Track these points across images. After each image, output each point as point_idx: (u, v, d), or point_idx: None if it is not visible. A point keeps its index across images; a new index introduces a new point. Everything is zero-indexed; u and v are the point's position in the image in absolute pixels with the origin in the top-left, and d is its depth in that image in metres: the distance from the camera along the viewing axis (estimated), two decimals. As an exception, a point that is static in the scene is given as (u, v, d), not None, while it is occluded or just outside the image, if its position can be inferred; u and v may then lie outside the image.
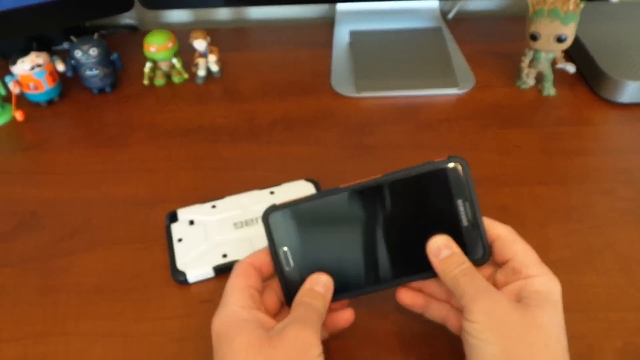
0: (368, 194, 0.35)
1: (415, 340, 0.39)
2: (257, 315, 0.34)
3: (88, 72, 0.62)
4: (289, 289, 0.36)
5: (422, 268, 0.35)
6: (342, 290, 0.36)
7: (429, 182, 0.35)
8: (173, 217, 0.48)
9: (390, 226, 0.35)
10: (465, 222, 0.35)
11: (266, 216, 0.36)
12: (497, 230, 0.35)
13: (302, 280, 0.36)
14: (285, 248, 0.36)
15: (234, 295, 0.35)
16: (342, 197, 0.35)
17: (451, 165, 0.34)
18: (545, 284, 0.33)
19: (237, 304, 0.34)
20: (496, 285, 0.35)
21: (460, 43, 0.71)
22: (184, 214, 0.48)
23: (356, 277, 0.36)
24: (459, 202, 0.34)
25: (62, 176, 0.54)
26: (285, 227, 0.36)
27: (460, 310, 0.34)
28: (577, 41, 0.63)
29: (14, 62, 0.59)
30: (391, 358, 0.38)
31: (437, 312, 0.37)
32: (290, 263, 0.36)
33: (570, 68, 0.60)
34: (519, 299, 0.33)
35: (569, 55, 0.66)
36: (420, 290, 0.38)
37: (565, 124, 0.58)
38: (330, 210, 0.36)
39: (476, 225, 0.35)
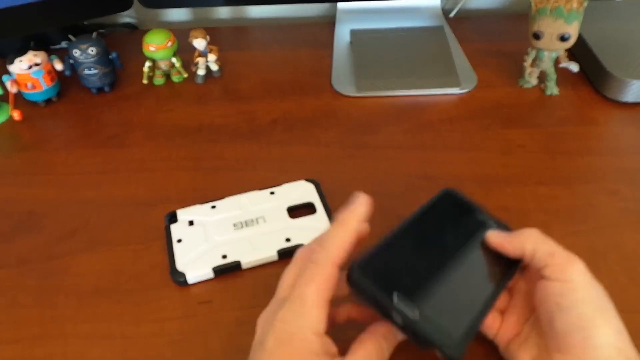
0: (422, 226, 0.38)
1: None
2: (327, 346, 0.31)
3: (87, 71, 0.62)
4: (424, 338, 0.31)
5: (497, 276, 0.36)
6: (471, 327, 0.33)
7: (449, 209, 0.39)
8: (172, 218, 0.47)
9: (456, 249, 0.37)
10: (494, 225, 0.39)
11: (357, 271, 0.32)
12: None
13: (434, 324, 0.31)
14: (395, 297, 0.31)
15: (313, 313, 0.30)
16: (407, 232, 0.36)
17: (447, 191, 0.41)
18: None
19: (314, 329, 0.30)
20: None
21: (462, 42, 0.71)
22: (183, 214, 0.47)
23: (472, 307, 0.34)
24: (476, 213, 0.39)
25: (60, 176, 0.54)
26: (385, 275, 0.32)
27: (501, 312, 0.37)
28: (580, 40, 0.63)
29: (12, 61, 0.59)
30: (392, 358, 0.38)
31: None
32: (415, 312, 0.31)
33: (574, 67, 0.60)
34: None
35: (572, 54, 0.65)
36: None
37: (568, 123, 0.58)
38: (405, 246, 0.36)
39: (501, 225, 0.39)
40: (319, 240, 0.34)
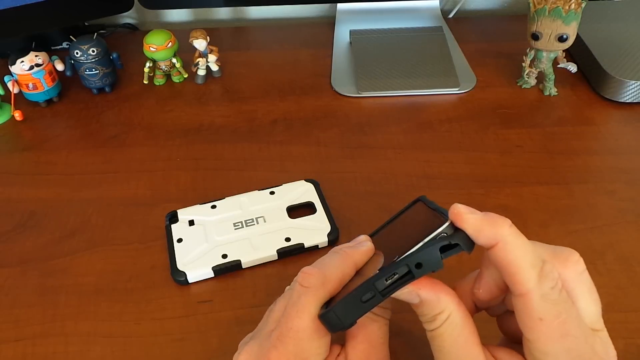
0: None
1: (415, 341, 0.39)
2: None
3: (87, 72, 0.62)
4: None
5: None
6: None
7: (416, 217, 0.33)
8: (173, 218, 0.48)
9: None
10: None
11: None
12: None
13: None
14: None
15: (313, 347, 0.28)
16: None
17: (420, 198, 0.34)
18: None
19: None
20: None
21: (461, 42, 0.71)
22: (183, 214, 0.48)
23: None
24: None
25: (61, 176, 0.54)
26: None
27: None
28: (578, 40, 0.63)
29: (13, 62, 0.59)
30: (391, 358, 0.38)
31: None
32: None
33: (572, 67, 0.60)
34: None
35: (570, 54, 0.66)
36: None
37: (566, 123, 0.58)
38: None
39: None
40: (315, 265, 0.30)
